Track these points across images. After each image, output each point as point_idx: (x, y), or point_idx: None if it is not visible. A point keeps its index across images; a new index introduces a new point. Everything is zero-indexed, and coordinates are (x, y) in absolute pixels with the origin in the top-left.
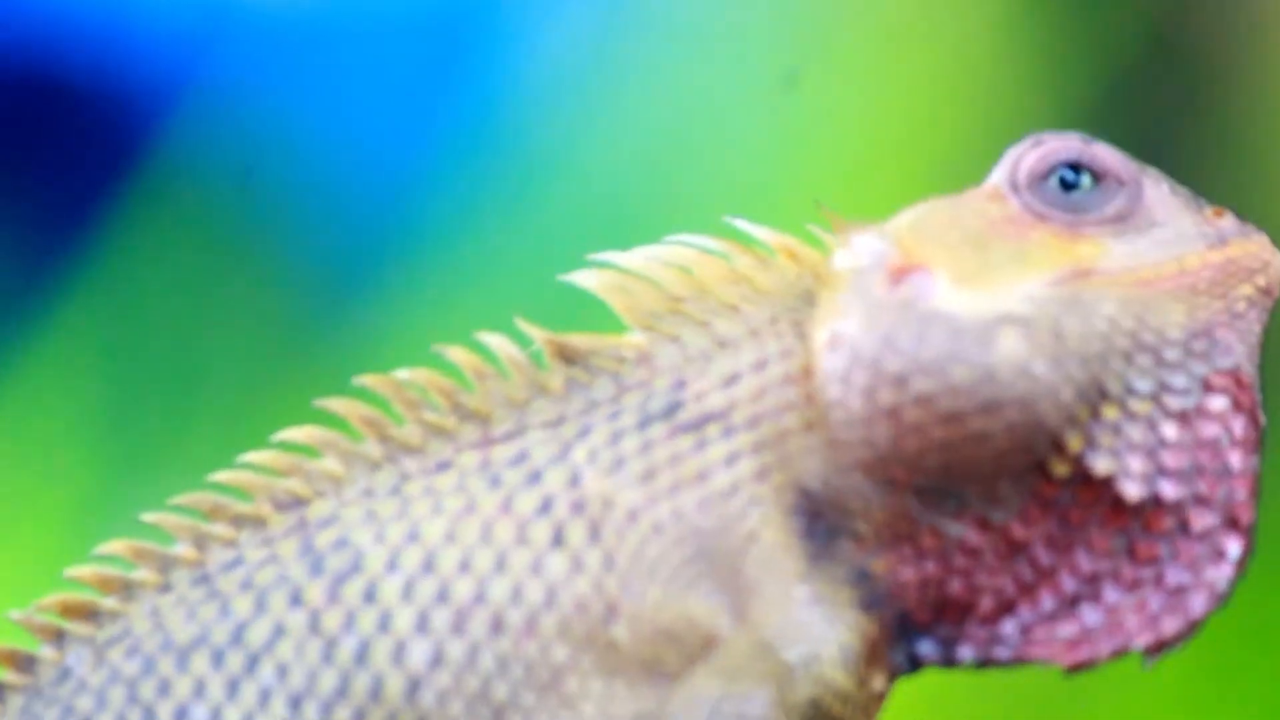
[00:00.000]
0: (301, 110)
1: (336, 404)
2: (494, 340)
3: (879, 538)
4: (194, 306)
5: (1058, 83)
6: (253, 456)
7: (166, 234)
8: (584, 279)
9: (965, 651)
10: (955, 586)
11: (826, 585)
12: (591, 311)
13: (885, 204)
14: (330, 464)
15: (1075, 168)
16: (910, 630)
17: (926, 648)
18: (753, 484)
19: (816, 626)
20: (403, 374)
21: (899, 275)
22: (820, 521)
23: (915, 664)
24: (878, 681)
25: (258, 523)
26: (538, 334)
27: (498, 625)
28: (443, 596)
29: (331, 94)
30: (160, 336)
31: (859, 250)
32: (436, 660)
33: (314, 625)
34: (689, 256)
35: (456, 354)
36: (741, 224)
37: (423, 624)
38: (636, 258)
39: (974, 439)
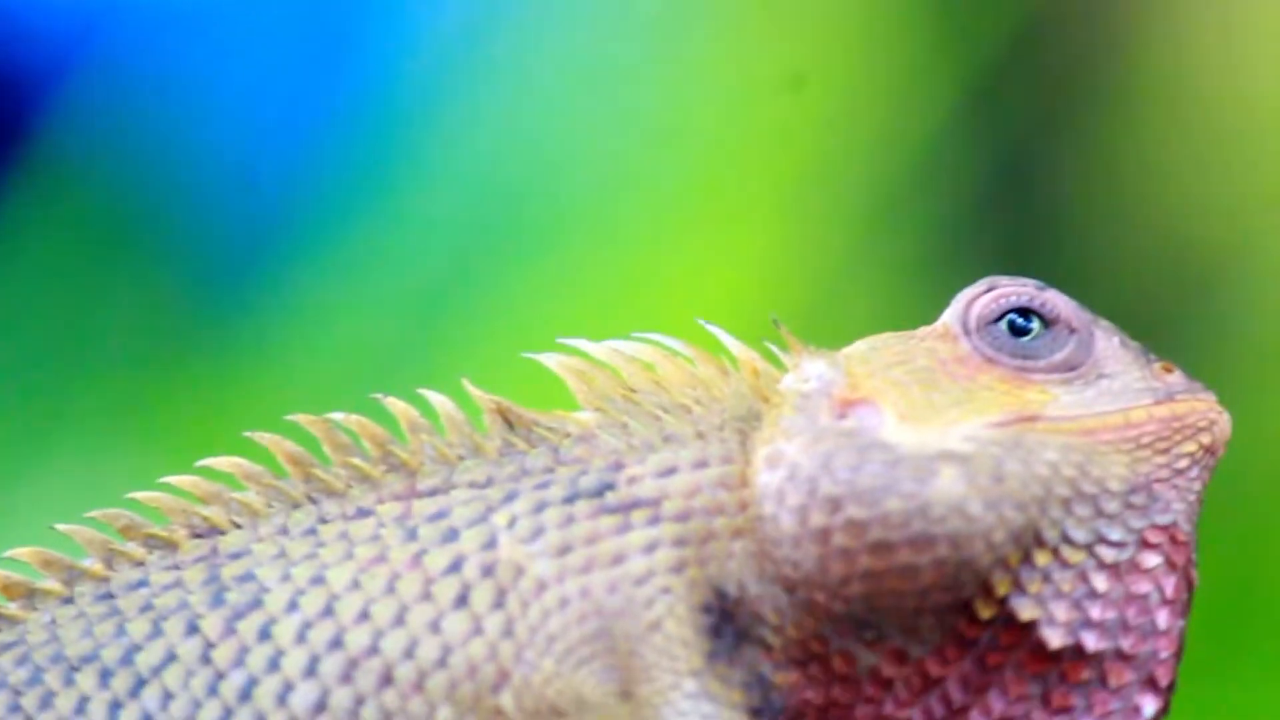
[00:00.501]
0: (188, 92)
1: (264, 438)
2: (435, 397)
3: (788, 653)
4: (78, 290)
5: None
6: (175, 479)
7: (51, 216)
8: (546, 359)
9: None
10: (862, 714)
11: (718, 684)
12: (471, 306)
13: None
14: (251, 497)
15: (1026, 313)
16: None
17: None
18: (667, 574)
19: (693, 719)
20: (337, 416)
21: (846, 406)
22: (730, 624)
23: None
24: None
25: (169, 546)
26: (484, 397)
27: (387, 678)
28: (337, 643)
29: (217, 75)
30: (43, 320)
31: (809, 375)
32: (320, 706)
33: (205, 656)
34: (654, 354)
35: (395, 404)
36: (716, 330)
37: (312, 668)
38: (602, 347)
39: (901, 571)
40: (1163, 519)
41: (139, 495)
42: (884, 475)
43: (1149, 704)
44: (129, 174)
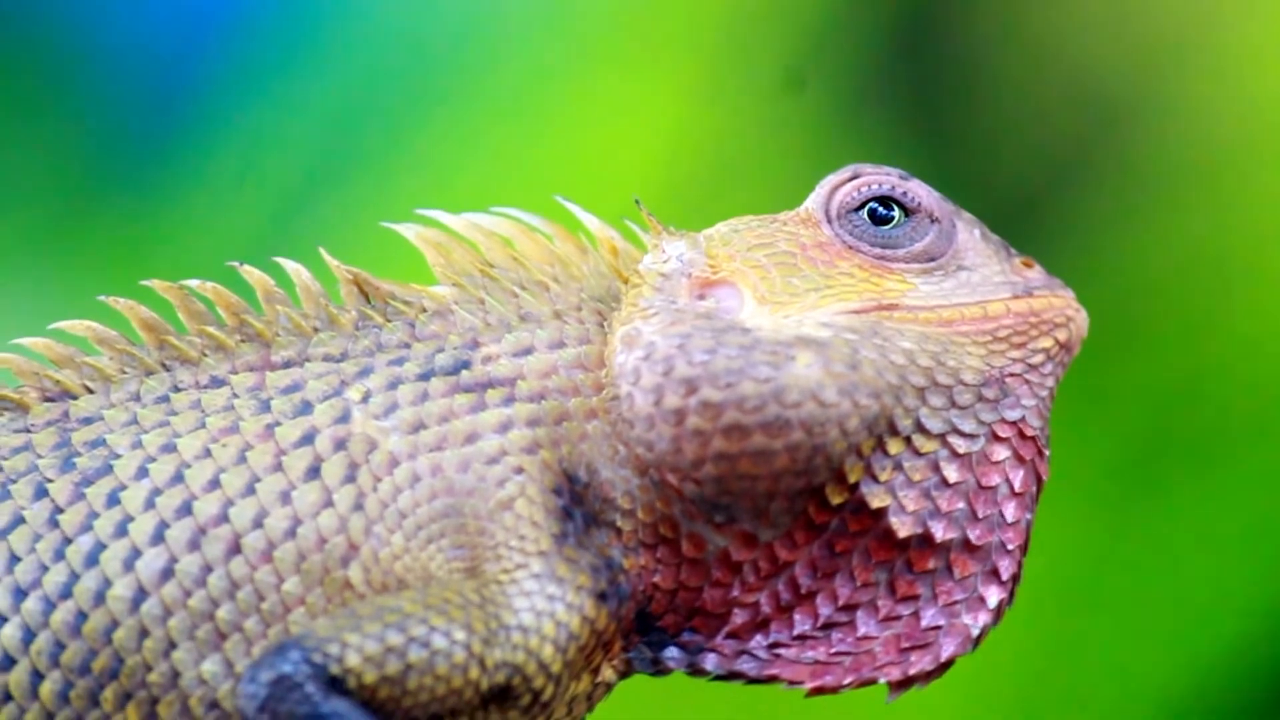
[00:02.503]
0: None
1: (119, 303)
2: (291, 266)
3: (638, 537)
4: None
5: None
6: (27, 341)
7: None
8: (405, 229)
9: (710, 662)
10: (710, 597)
11: (565, 566)
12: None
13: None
14: (104, 362)
15: (888, 202)
16: (655, 634)
17: (671, 656)
18: (520, 454)
19: (539, 600)
20: (192, 282)
21: (705, 287)
22: (580, 507)
23: (659, 668)
24: (607, 672)
25: (20, 409)
26: (340, 268)
27: (235, 547)
28: (185, 510)
29: None
30: None
31: (669, 255)
32: (167, 573)
33: (53, 520)
34: (512, 229)
35: (251, 273)
36: (573, 207)
37: (160, 535)
38: (460, 220)
39: (754, 455)
40: (1012, 414)
41: None
42: (740, 358)
43: (993, 595)
44: (38, 38)
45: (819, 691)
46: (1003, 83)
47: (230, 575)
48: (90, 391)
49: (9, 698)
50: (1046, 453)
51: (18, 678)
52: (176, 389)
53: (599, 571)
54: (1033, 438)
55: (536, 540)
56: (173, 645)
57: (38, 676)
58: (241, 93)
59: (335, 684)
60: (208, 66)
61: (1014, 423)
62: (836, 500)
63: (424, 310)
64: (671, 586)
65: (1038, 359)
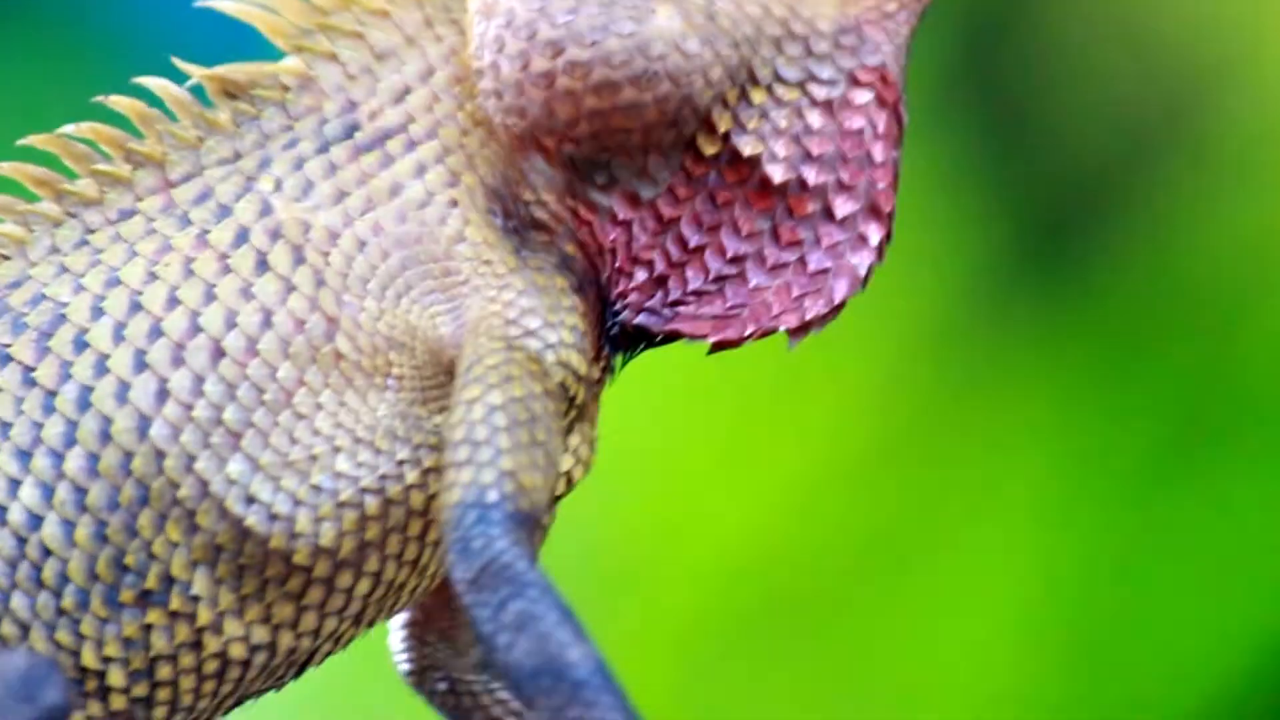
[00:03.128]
0: None
1: (3, 167)
2: (154, 83)
3: (559, 220)
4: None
5: None
6: None
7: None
8: (220, 3)
9: (626, 318)
10: (617, 259)
11: (539, 274)
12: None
13: None
14: (9, 227)
15: None
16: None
17: (610, 325)
18: (446, 189)
19: (544, 313)
20: (68, 129)
21: None
22: (512, 217)
23: (612, 344)
24: (595, 368)
25: None
26: (196, 71)
27: (218, 352)
28: (156, 333)
29: None
30: None
31: None
32: (161, 394)
33: (27, 380)
34: None
35: (119, 102)
36: None
37: (140, 362)
38: None
39: (625, 109)
40: (872, 59)
41: None
42: (602, 15)
43: (874, 232)
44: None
45: (722, 345)
46: (1075, 63)
47: (224, 378)
48: (6, 258)
49: (47, 553)
50: (905, 98)
51: (50, 531)
52: (90, 230)
53: (562, 267)
54: (894, 83)
55: (503, 260)
56: (192, 459)
57: (69, 525)
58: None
59: (529, 518)
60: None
61: (875, 68)
62: (710, 150)
63: (287, 89)
64: (584, 260)
65: (892, 6)
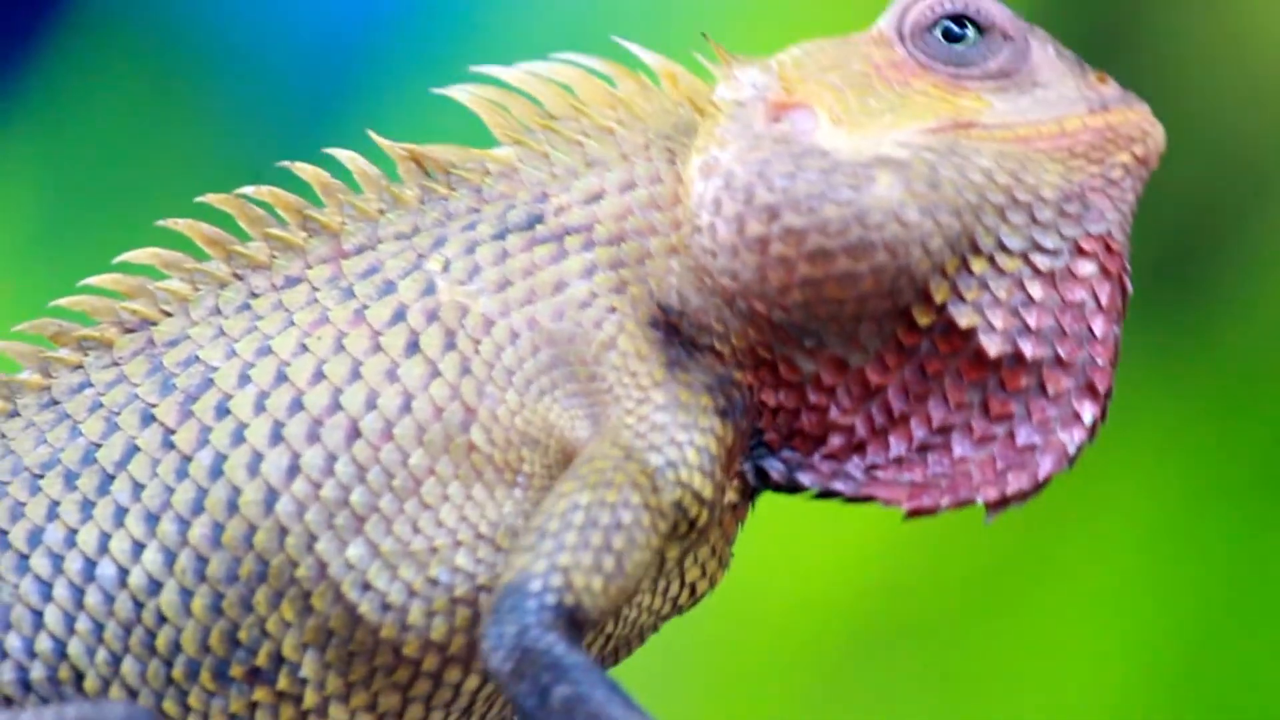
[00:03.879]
0: None
1: (178, 223)
2: (343, 154)
3: (738, 359)
4: (131, 147)
5: None
6: (93, 280)
7: (104, 71)
8: (456, 92)
9: (807, 480)
10: (807, 420)
11: (684, 390)
12: None
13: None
14: (175, 284)
15: (961, 20)
16: (760, 448)
17: (773, 468)
18: (610, 295)
19: (675, 430)
20: (246, 190)
21: (780, 110)
22: (679, 335)
23: (763, 482)
24: (732, 492)
25: (104, 345)
26: (394, 147)
27: (354, 432)
28: (296, 406)
29: None
30: (95, 176)
31: (742, 82)
32: (293, 469)
33: (167, 442)
34: (571, 75)
35: (303, 169)
36: (631, 46)
37: (276, 435)
38: (516, 72)
39: (839, 279)
40: (1096, 228)
41: (61, 301)
42: (821, 182)
43: (1088, 410)
44: (186, 25)
45: (916, 512)
46: (1188, 91)
47: (356, 460)
48: (169, 315)
49: (163, 620)
50: (1129, 269)
51: (168, 598)
52: (254, 295)
53: (714, 389)
54: (1118, 252)
55: (650, 373)
56: (313, 538)
57: (187, 594)
58: (388, 89)
59: (575, 615)
60: (353, 65)
61: (1099, 236)
62: (924, 321)
63: (488, 173)
64: (773, 405)
65: (1117, 173)
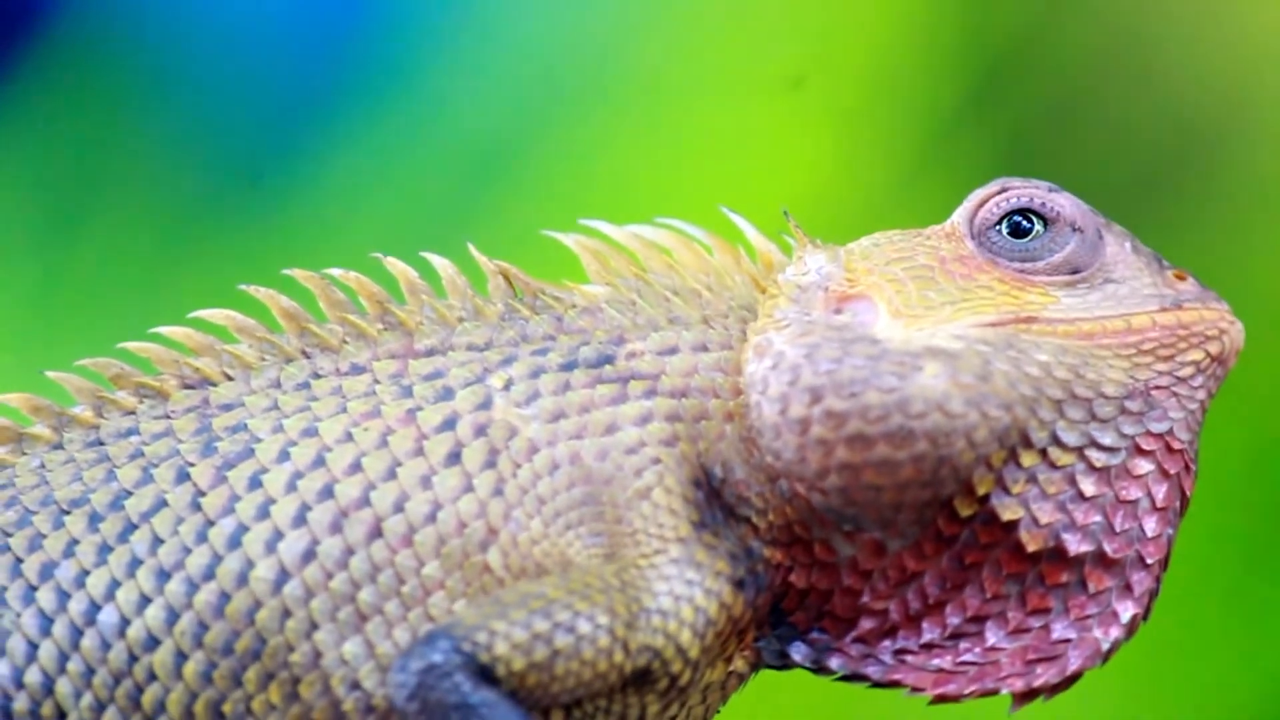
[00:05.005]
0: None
1: (260, 292)
2: (438, 260)
3: (773, 534)
4: (99, 173)
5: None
6: (166, 330)
7: (70, 100)
8: (565, 237)
9: (835, 663)
10: (839, 602)
11: (704, 552)
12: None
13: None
14: (244, 349)
15: (1028, 214)
16: (785, 629)
17: (798, 651)
18: (658, 446)
19: (678, 584)
20: (335, 272)
21: (841, 301)
22: (717, 500)
23: (785, 662)
24: (739, 663)
25: (160, 395)
26: (488, 262)
27: (376, 531)
28: (327, 493)
29: None
30: (66, 205)
31: (808, 268)
32: (309, 555)
33: (195, 503)
34: (673, 240)
35: (394, 265)
36: (736, 218)
37: (302, 517)
38: (622, 231)
39: (878, 465)
40: (1158, 426)
41: (130, 345)
42: (865, 368)
43: (1127, 609)
44: (154, 53)
45: (941, 700)
46: (1087, 98)
47: (371, 558)
48: (230, 379)
49: (153, 677)
50: (1193, 467)
51: (161, 658)
52: (317, 375)
53: (737, 559)
54: (1179, 451)
55: (675, 527)
56: (314, 626)
57: (181, 657)
58: (376, 95)
59: (485, 672)
60: (333, 70)
61: (1159, 435)
62: (966, 512)
63: (573, 306)
64: (804, 586)
65: (1186, 371)
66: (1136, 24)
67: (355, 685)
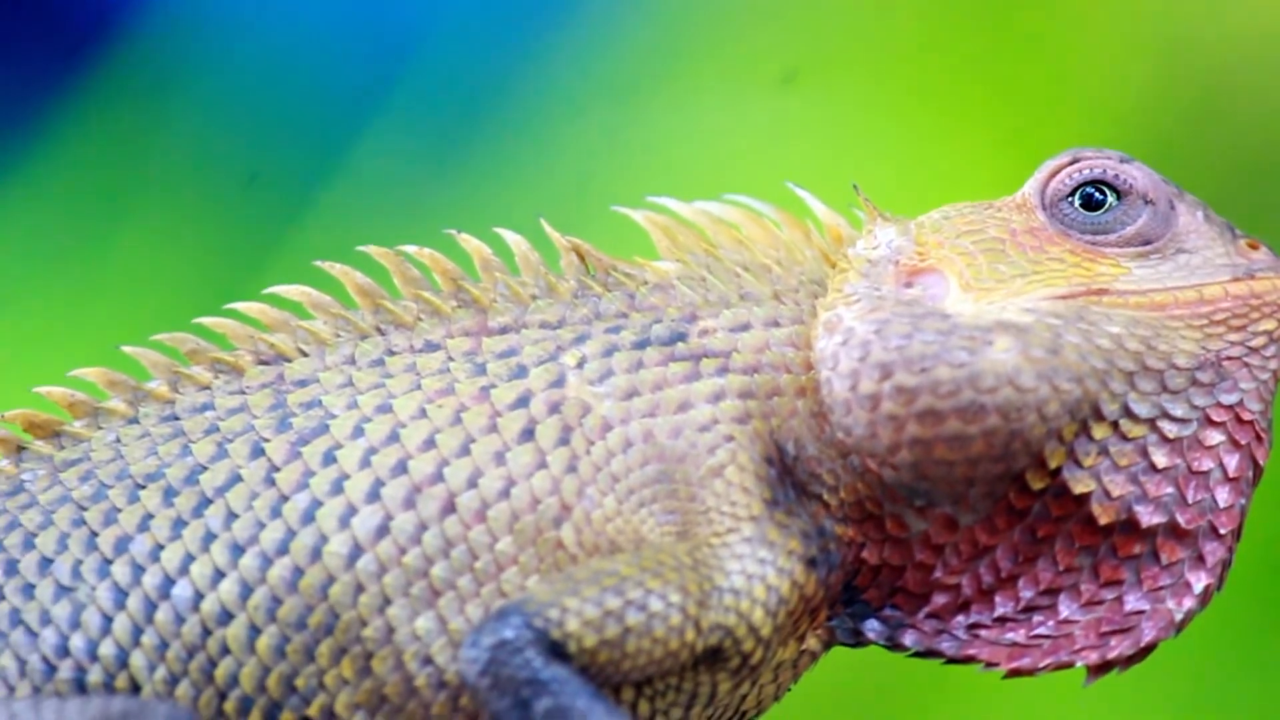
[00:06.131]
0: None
1: (335, 268)
2: (511, 236)
3: (845, 511)
4: (151, 200)
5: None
6: (241, 306)
7: (123, 126)
8: (634, 213)
9: (909, 639)
10: (912, 578)
11: (776, 531)
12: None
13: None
14: (319, 325)
15: (1100, 186)
16: (859, 606)
17: (872, 628)
18: (731, 424)
19: (750, 563)
20: (409, 248)
21: (912, 275)
22: (790, 477)
23: (859, 640)
24: (812, 641)
25: (235, 371)
26: (560, 239)
27: (450, 506)
28: (401, 469)
29: None
30: (114, 230)
31: (878, 241)
32: (383, 531)
33: (269, 479)
34: (741, 216)
35: (469, 242)
36: (803, 193)
37: (376, 493)
38: (690, 208)
39: (949, 440)
40: (1229, 398)
41: (205, 320)
42: (936, 343)
43: (1200, 580)
44: (210, 78)
45: (1016, 673)
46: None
47: (445, 534)
48: (305, 355)
49: (226, 651)
50: (1266, 437)
51: (235, 632)
52: (391, 352)
53: (810, 538)
54: (1250, 422)
55: (748, 505)
56: (387, 601)
57: (255, 631)
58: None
59: (556, 648)
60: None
61: (1230, 406)
62: (1038, 485)
63: (645, 283)
64: (876, 563)
65: (1259, 341)
66: None
67: (428, 660)
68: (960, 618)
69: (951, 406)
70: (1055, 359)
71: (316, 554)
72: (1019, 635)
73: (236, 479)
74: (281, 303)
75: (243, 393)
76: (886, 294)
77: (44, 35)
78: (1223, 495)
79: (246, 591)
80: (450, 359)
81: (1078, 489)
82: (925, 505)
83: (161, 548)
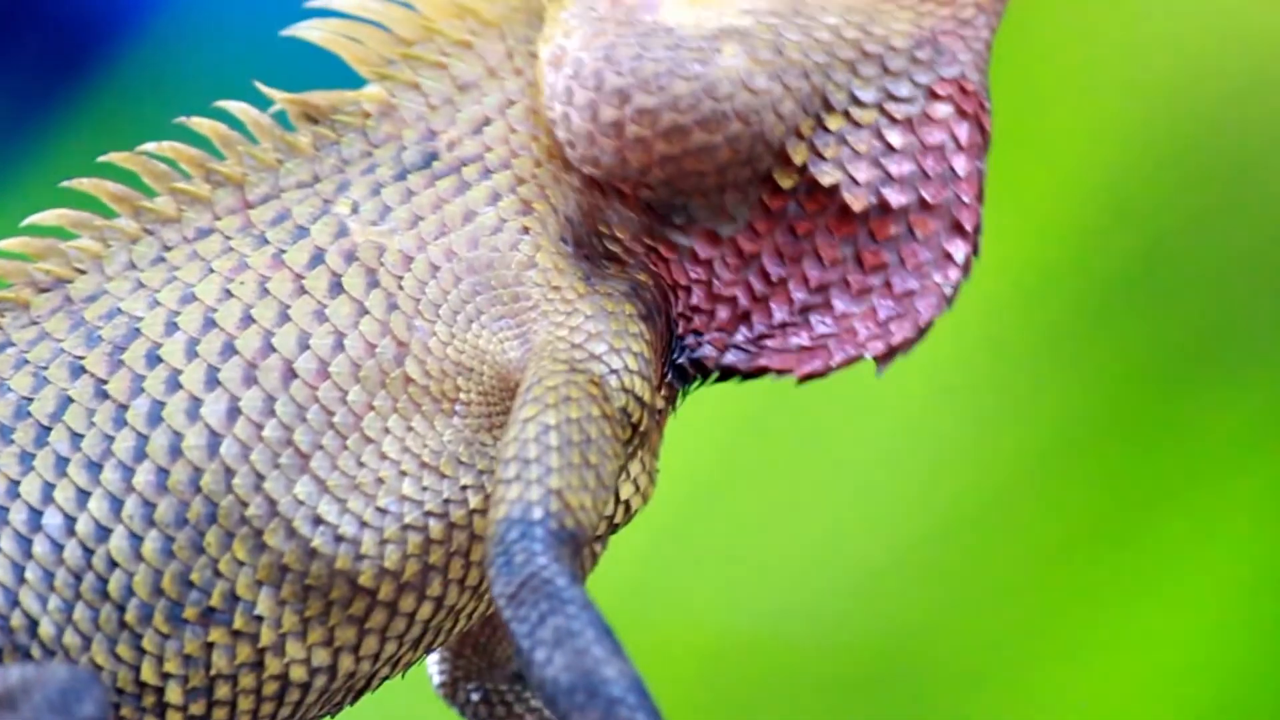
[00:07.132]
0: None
1: (84, 183)
2: (236, 106)
3: (632, 254)
4: None
5: None
6: (1, 243)
7: (125, 133)
8: (307, 31)
9: (705, 354)
10: (694, 296)
11: (608, 300)
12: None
13: None
14: (86, 242)
15: None
16: (674, 348)
17: (678, 355)
18: (518, 217)
19: (610, 338)
20: (148, 146)
21: None
22: (585, 245)
23: (680, 376)
24: (659, 399)
25: (20, 306)
26: (278, 95)
27: (289, 373)
28: (229, 351)
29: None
30: None
31: None
32: (233, 412)
33: (100, 392)
34: None
35: (200, 123)
36: None
37: (212, 380)
38: (355, 1)
39: (696, 152)
40: (950, 71)
41: None
42: (668, 59)
43: (958, 249)
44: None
45: (809, 376)
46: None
47: (295, 400)
48: (83, 273)
49: (114, 565)
50: (988, 105)
51: (117, 544)
52: (168, 248)
53: (632, 296)
54: (974, 92)
55: (571, 286)
56: (261, 478)
57: (136, 539)
58: None
59: (576, 537)
60: None
61: (953, 79)
62: (787, 184)
63: (368, 115)
64: (665, 289)
65: (968, 13)
66: None
67: (318, 521)
68: (744, 330)
69: (694, 119)
70: (781, 58)
71: (175, 452)
72: (803, 338)
73: (67, 401)
74: (41, 230)
75: (35, 322)
76: (604, 14)
77: (45, 43)
78: (960, 164)
79: (116, 504)
80: (228, 238)
81: (825, 181)
82: (686, 222)
83: (17, 484)
